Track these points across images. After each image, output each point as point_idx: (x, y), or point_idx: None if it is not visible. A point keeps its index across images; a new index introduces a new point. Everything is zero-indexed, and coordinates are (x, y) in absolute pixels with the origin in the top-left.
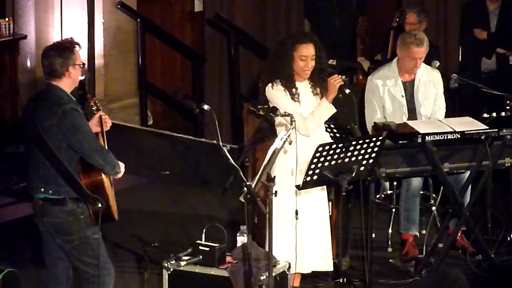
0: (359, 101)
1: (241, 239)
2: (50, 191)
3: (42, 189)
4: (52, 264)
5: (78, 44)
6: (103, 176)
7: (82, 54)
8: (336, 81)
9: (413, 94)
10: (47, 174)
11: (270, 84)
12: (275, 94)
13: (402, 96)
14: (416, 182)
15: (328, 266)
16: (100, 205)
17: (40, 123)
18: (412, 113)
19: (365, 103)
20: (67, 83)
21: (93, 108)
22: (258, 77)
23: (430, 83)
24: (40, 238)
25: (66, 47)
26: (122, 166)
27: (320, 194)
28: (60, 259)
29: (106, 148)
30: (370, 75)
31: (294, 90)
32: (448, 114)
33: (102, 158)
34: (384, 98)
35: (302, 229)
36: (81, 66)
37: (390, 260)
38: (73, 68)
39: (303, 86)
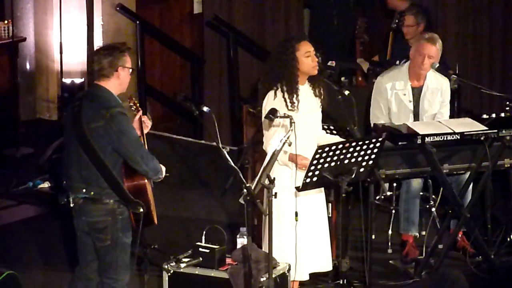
0: (361, 103)
1: (241, 241)
2: (92, 192)
3: (84, 190)
4: (87, 264)
5: (130, 49)
6: (146, 180)
7: (81, 56)
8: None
9: (419, 100)
10: (90, 175)
11: (272, 93)
12: (269, 101)
13: (410, 101)
14: (416, 183)
15: (327, 266)
16: (141, 209)
17: (86, 124)
18: (416, 119)
19: (372, 103)
20: (115, 85)
21: (133, 109)
22: (258, 79)
23: (437, 91)
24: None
25: (117, 48)
26: (163, 170)
27: (318, 195)
28: (95, 261)
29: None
30: (379, 76)
31: (295, 97)
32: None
33: (146, 164)
34: (391, 101)
35: (301, 232)
36: (131, 71)
37: (390, 262)
38: (122, 70)
39: (304, 89)
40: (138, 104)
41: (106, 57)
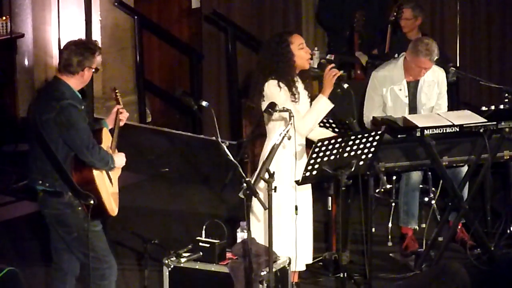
0: (360, 96)
1: (241, 235)
2: (47, 184)
3: (40, 182)
4: (56, 254)
5: (100, 49)
6: (95, 172)
7: None
8: (332, 74)
9: (415, 94)
10: (45, 167)
11: (274, 81)
12: (276, 91)
13: (406, 97)
14: (416, 176)
15: (309, 259)
16: (92, 201)
17: (38, 116)
18: (413, 113)
19: (366, 97)
20: (77, 82)
21: (115, 101)
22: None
23: (434, 84)
24: (41, 234)
25: (89, 48)
26: (119, 158)
27: (305, 191)
28: (65, 250)
29: (115, 143)
30: (375, 71)
31: (294, 89)
32: (447, 108)
33: (92, 155)
34: (387, 97)
35: (299, 225)
36: (95, 71)
37: (390, 254)
38: (88, 71)
39: (299, 86)
40: (119, 97)
41: (77, 56)
